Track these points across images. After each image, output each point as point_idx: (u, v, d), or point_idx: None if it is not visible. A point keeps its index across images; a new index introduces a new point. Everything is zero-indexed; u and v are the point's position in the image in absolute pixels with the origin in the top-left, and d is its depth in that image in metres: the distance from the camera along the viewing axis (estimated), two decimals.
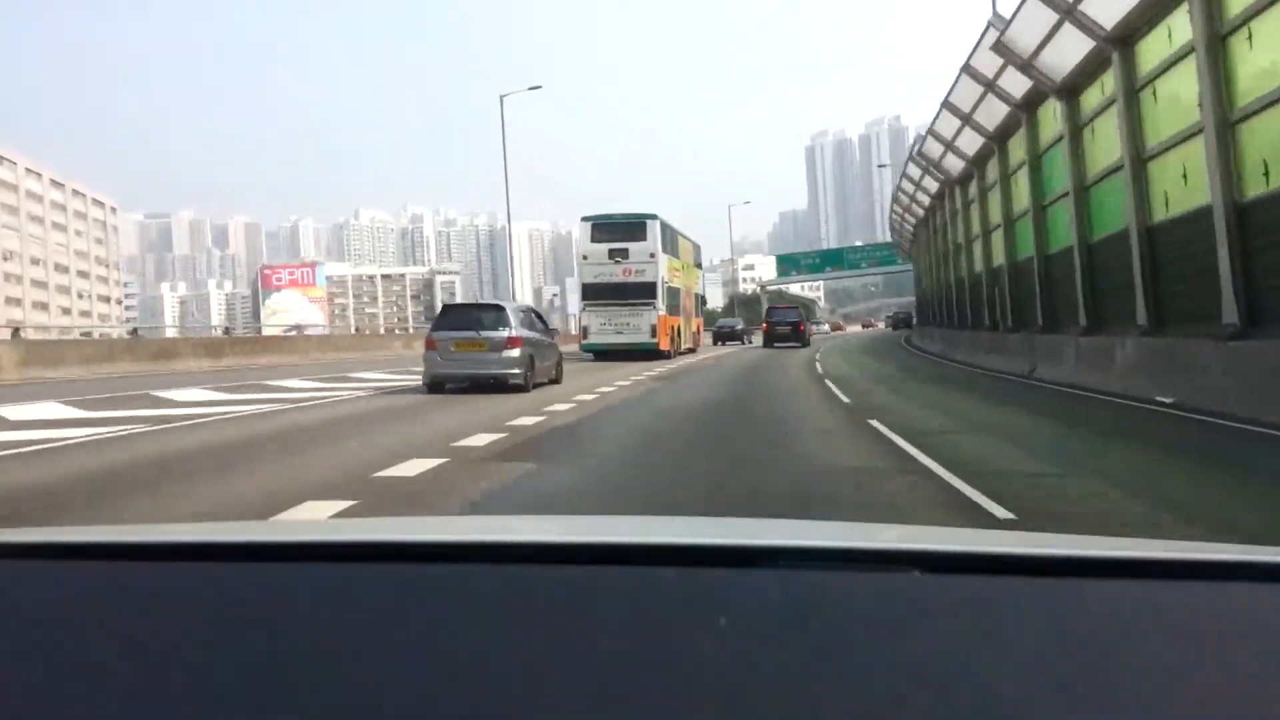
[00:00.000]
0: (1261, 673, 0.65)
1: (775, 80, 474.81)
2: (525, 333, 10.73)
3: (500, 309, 11.00)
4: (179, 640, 0.71)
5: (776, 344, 30.82)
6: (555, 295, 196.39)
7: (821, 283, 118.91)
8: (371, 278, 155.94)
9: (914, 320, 58.39)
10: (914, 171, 26.43)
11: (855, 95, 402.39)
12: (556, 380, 11.81)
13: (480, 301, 15.57)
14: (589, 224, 23.98)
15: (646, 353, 22.15)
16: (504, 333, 10.54)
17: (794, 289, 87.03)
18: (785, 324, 33.39)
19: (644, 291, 23.51)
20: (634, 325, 23.61)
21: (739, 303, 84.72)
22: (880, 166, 73.60)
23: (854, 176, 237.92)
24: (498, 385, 10.09)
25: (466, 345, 10.62)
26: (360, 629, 0.71)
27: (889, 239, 52.47)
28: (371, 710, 0.63)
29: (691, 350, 28.36)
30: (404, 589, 0.78)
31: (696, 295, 32.19)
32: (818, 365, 16.80)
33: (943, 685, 0.63)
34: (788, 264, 60.38)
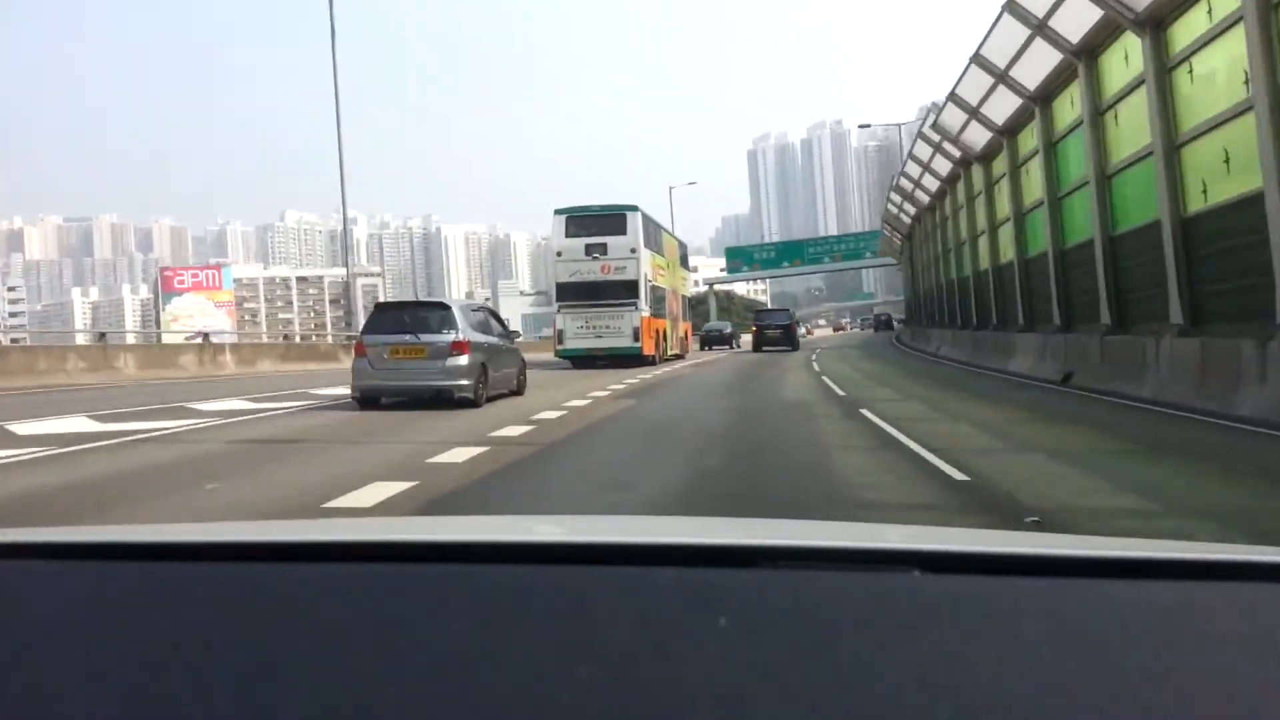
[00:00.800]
0: (1262, 673, 0.64)
1: (718, 82, 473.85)
2: (476, 336, 9.73)
3: (445, 308, 10.03)
4: (179, 640, 0.71)
5: (766, 348, 31.66)
6: (487, 299, 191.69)
7: (768, 286, 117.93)
8: (286, 280, 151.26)
9: (894, 322, 66.78)
10: (922, 152, 25.26)
11: (797, 99, 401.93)
12: (518, 392, 11.08)
13: (421, 299, 14.53)
14: (563, 217, 22.57)
15: (629, 358, 21.01)
16: (448, 336, 9.46)
17: (739, 289, 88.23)
18: (775, 327, 33.89)
19: (625, 291, 22.18)
20: (614, 328, 22.37)
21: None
22: (862, 126, 77.76)
23: (796, 180, 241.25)
24: (443, 399, 9.00)
25: (403, 351, 9.54)
26: (360, 629, 0.71)
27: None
28: (371, 710, 0.62)
29: (679, 356, 27.65)
30: (404, 589, 0.78)
31: (684, 297, 31.69)
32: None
33: (943, 685, 0.62)
34: (739, 258, 59.48)
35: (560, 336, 21.38)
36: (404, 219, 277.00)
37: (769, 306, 37.59)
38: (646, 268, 21.96)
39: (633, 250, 21.39)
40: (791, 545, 0.89)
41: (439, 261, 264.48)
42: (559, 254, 22.04)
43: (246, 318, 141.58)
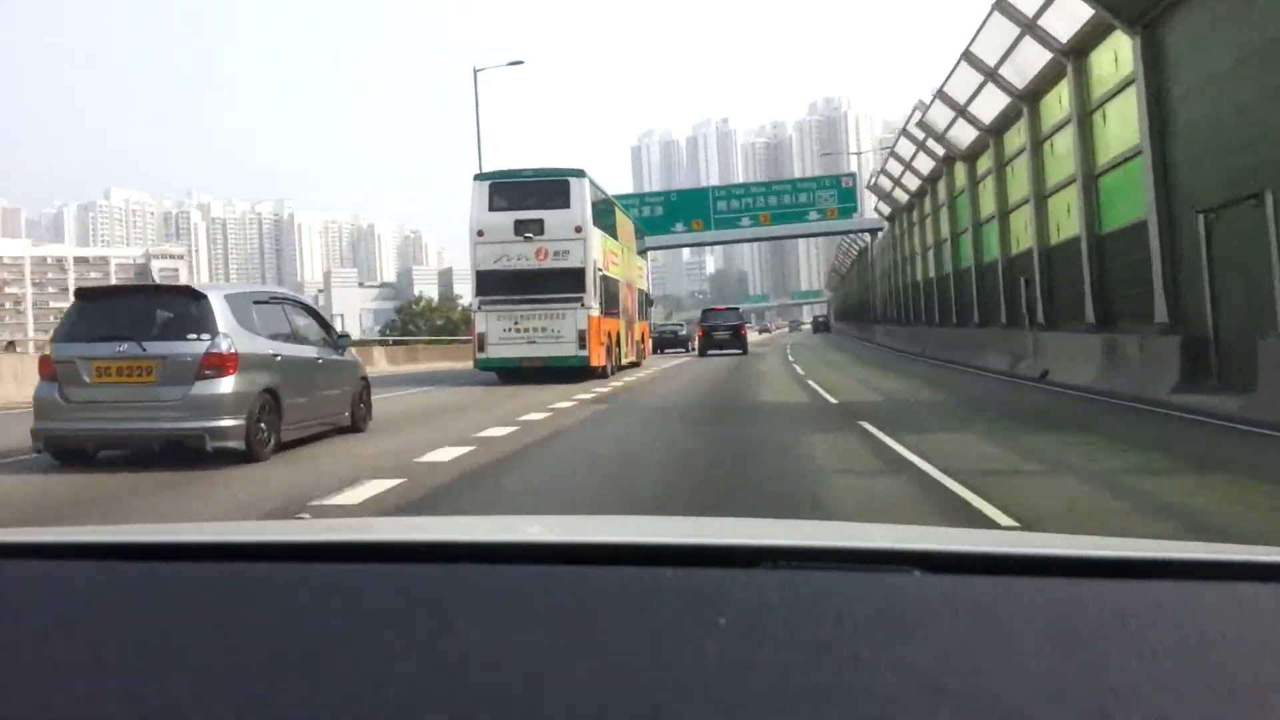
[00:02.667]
0: (1261, 673, 0.66)
1: (602, 77, 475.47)
2: (256, 344, 6.65)
3: (196, 298, 6.59)
4: (179, 640, 0.73)
5: (713, 351, 31.82)
6: (320, 292, 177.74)
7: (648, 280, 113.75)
8: (60, 261, 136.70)
9: (831, 324, 75.12)
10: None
11: (682, 96, 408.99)
12: (354, 428, 8.21)
13: (158, 284, 10.68)
14: (485, 184, 18.05)
15: (573, 371, 16.98)
16: (196, 345, 6.30)
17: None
18: (724, 328, 33.34)
19: (568, 282, 17.73)
20: (554, 331, 17.79)
21: None
22: (824, 155, 74.62)
23: (681, 178, 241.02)
24: (191, 453, 6.20)
25: (118, 370, 6.24)
26: (360, 629, 0.73)
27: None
28: (371, 711, 0.63)
29: (635, 364, 24.10)
30: (404, 589, 0.80)
31: (641, 292, 28.13)
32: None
33: (943, 685, 0.64)
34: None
35: (481, 342, 17.78)
36: (252, 202, 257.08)
37: (718, 307, 39.51)
38: (596, 253, 18.52)
39: (578, 229, 17.80)
40: (791, 545, 0.89)
41: (291, 251, 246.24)
42: (480, 233, 18.00)
43: (7, 305, 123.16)
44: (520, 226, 17.06)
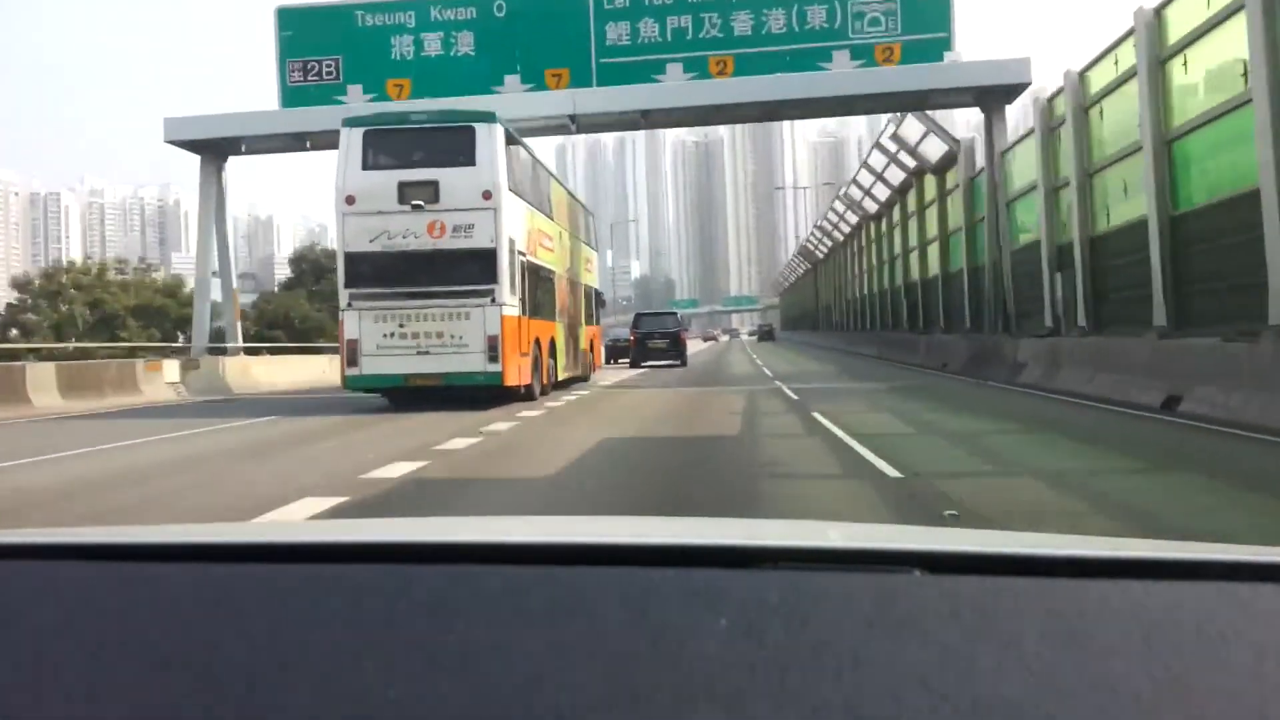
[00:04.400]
0: (1261, 673, 0.68)
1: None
2: None
3: None
4: (179, 641, 0.75)
5: (647, 363, 29.25)
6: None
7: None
8: None
9: (775, 333, 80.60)
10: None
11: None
12: None
13: None
14: (358, 132, 14.14)
15: (482, 391, 13.65)
16: None
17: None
18: (660, 336, 29.69)
19: (474, 268, 13.59)
20: (454, 337, 13.68)
21: None
22: (778, 188, 66.11)
23: (608, 181, 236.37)
24: None
25: None
26: (360, 630, 0.75)
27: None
28: (371, 711, 0.65)
29: (581, 379, 19.80)
30: (404, 589, 0.81)
31: (591, 290, 22.65)
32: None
33: (943, 685, 0.66)
34: None
35: (351, 353, 13.55)
36: (135, 188, 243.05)
37: (651, 311, 37.72)
38: (516, 229, 14.28)
39: (488, 195, 13.45)
40: (791, 545, 0.92)
41: (175, 241, 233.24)
42: (349, 200, 13.66)
43: None
44: (407, 191, 13.52)
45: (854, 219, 38.19)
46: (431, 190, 13.49)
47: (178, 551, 0.99)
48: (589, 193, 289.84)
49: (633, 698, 0.64)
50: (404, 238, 13.51)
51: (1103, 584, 0.81)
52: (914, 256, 28.54)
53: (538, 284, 15.97)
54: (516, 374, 13.97)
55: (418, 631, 0.73)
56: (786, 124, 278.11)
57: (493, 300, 13.50)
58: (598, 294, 24.48)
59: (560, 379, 17.70)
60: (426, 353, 13.39)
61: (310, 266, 55.78)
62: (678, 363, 28.85)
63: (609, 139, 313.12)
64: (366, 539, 1.05)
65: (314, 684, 0.67)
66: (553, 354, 16.83)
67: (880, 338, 32.56)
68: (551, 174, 19.34)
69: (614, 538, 1.05)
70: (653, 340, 28.99)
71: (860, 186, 32.64)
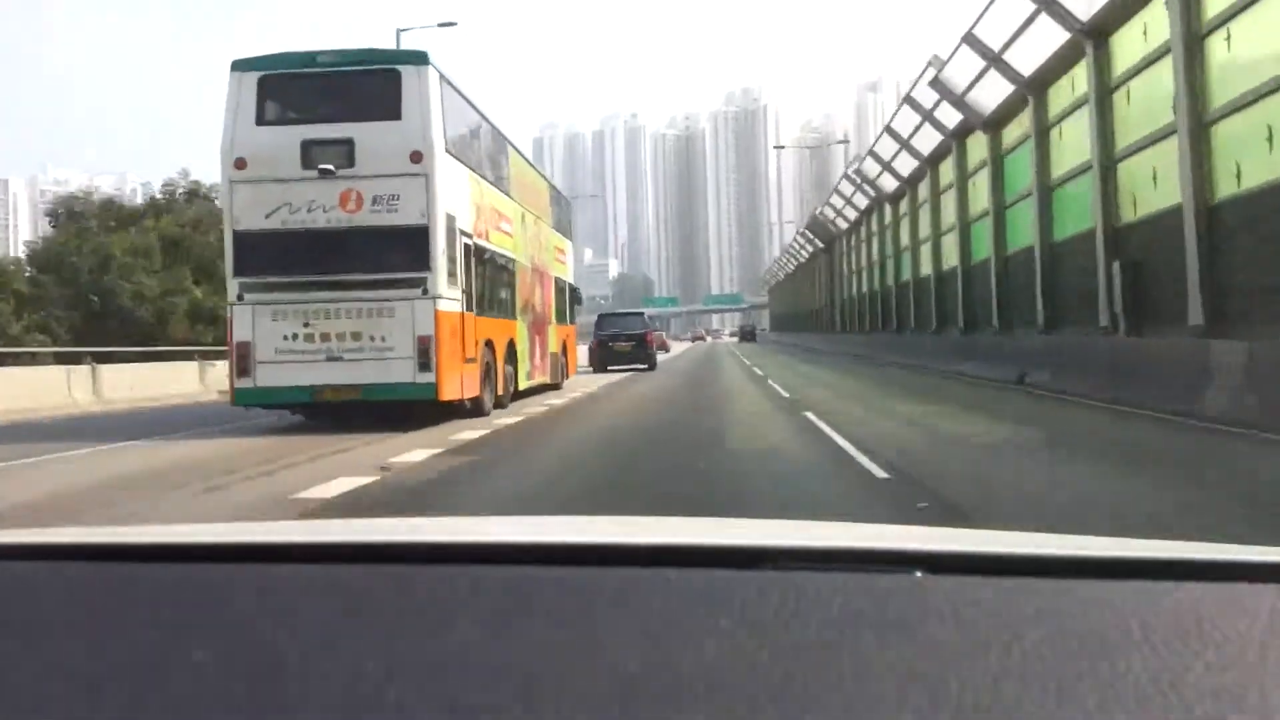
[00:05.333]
0: (1262, 673, 0.69)
1: (503, 62, 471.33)
2: None
3: None
4: (178, 641, 0.75)
5: (613, 367, 27.11)
6: None
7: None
8: None
9: (756, 334, 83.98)
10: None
11: (590, 90, 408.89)
12: None
13: None
14: (252, 77, 11.48)
15: (413, 407, 11.26)
16: None
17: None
18: (625, 338, 27.26)
19: (400, 251, 10.98)
20: (374, 338, 11.07)
21: None
22: (777, 148, 58.78)
23: (585, 174, 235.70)
24: None
25: None
26: (360, 629, 0.76)
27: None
28: (371, 711, 0.65)
29: (552, 386, 17.28)
30: (404, 589, 0.81)
31: (564, 285, 19.79)
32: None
33: (943, 686, 0.66)
34: None
35: (243, 359, 11.00)
36: (90, 175, 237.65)
37: (617, 309, 39.26)
38: (457, 201, 11.80)
39: (418, 157, 10.95)
40: (792, 546, 0.92)
41: None
42: (239, 165, 11.06)
43: None
44: (313, 153, 10.95)
45: (867, 197, 35.54)
46: (345, 151, 11.06)
47: (177, 552, 1.01)
48: (565, 181, 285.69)
49: (633, 698, 0.64)
50: (309, 212, 11.04)
51: (1103, 584, 0.83)
52: (951, 238, 25.51)
53: (491, 274, 13.71)
54: (457, 385, 11.67)
55: (418, 631, 0.74)
56: (771, 118, 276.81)
57: (424, 292, 11.05)
58: (573, 289, 21.89)
59: (523, 388, 15.61)
60: (339, 359, 10.89)
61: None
62: (644, 366, 27.14)
63: (588, 132, 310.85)
64: (366, 539, 1.08)
65: (314, 684, 0.68)
66: (512, 359, 14.59)
67: (904, 342, 29.70)
68: (510, 142, 16.93)
69: (614, 538, 1.09)
70: (617, 342, 27.15)
71: (879, 160, 29.87)
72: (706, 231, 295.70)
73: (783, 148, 46.93)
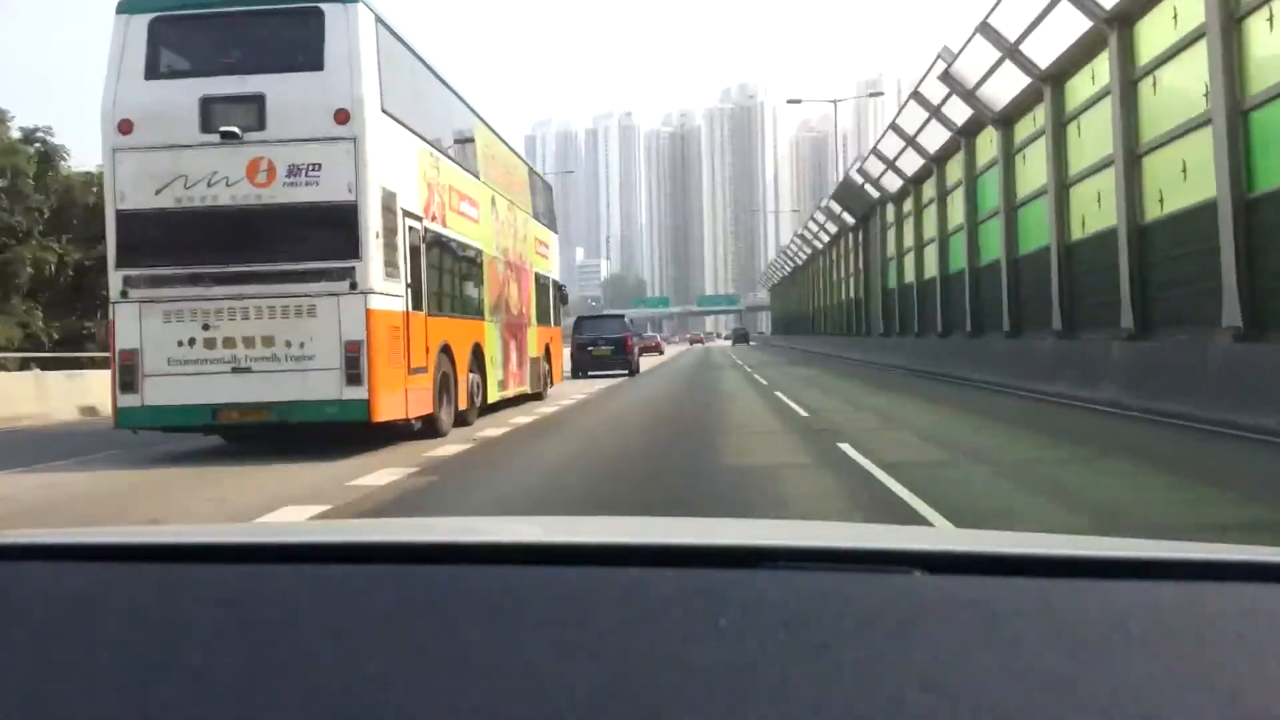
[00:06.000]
0: (1262, 673, 0.69)
1: (494, 62, 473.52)
2: None
3: None
4: (178, 641, 0.75)
5: (593, 372, 26.00)
6: None
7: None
8: None
9: (749, 337, 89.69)
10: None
11: (584, 87, 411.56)
12: None
13: None
14: (141, 19, 9.19)
15: (342, 429, 9.54)
16: None
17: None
18: (604, 341, 26.14)
19: (322, 235, 8.91)
20: (289, 344, 8.91)
21: None
22: (791, 102, 45.79)
23: (579, 172, 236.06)
24: None
25: None
26: (359, 630, 0.76)
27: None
28: (372, 711, 0.65)
29: (533, 396, 15.32)
30: (403, 589, 0.82)
31: (547, 282, 17.62)
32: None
33: (943, 685, 0.66)
34: None
35: (128, 371, 8.97)
36: None
37: (598, 312, 39.01)
38: (400, 172, 9.76)
39: (344, 116, 8.94)
40: (791, 545, 0.93)
41: None
42: (123, 128, 9.00)
43: None
44: (216, 112, 8.94)
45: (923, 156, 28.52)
46: (254, 110, 9.08)
47: (178, 552, 1.01)
48: (557, 180, 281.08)
49: (633, 698, 0.65)
50: (210, 186, 9.04)
51: (1103, 584, 0.83)
52: (993, 225, 22.46)
53: (450, 265, 11.83)
54: (398, 401, 9.64)
55: (418, 631, 0.74)
56: (769, 117, 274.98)
57: (353, 286, 9.00)
58: (558, 287, 19.91)
59: (495, 400, 13.86)
60: (248, 370, 8.95)
61: None
62: (624, 372, 25.95)
63: (581, 130, 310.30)
64: (367, 539, 1.09)
65: (314, 684, 0.69)
66: (478, 366, 12.75)
67: (952, 349, 24.91)
68: (478, 114, 14.52)
69: (614, 538, 1.10)
70: (596, 347, 25.98)
71: (901, 134, 26.55)
72: (701, 232, 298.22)
73: (798, 101, 41.90)
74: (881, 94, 59.36)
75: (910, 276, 30.28)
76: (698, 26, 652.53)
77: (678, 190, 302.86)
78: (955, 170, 25.18)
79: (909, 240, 30.17)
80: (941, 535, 1.52)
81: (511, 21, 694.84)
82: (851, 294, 40.95)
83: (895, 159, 28.03)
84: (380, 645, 0.70)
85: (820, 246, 48.23)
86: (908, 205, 30.08)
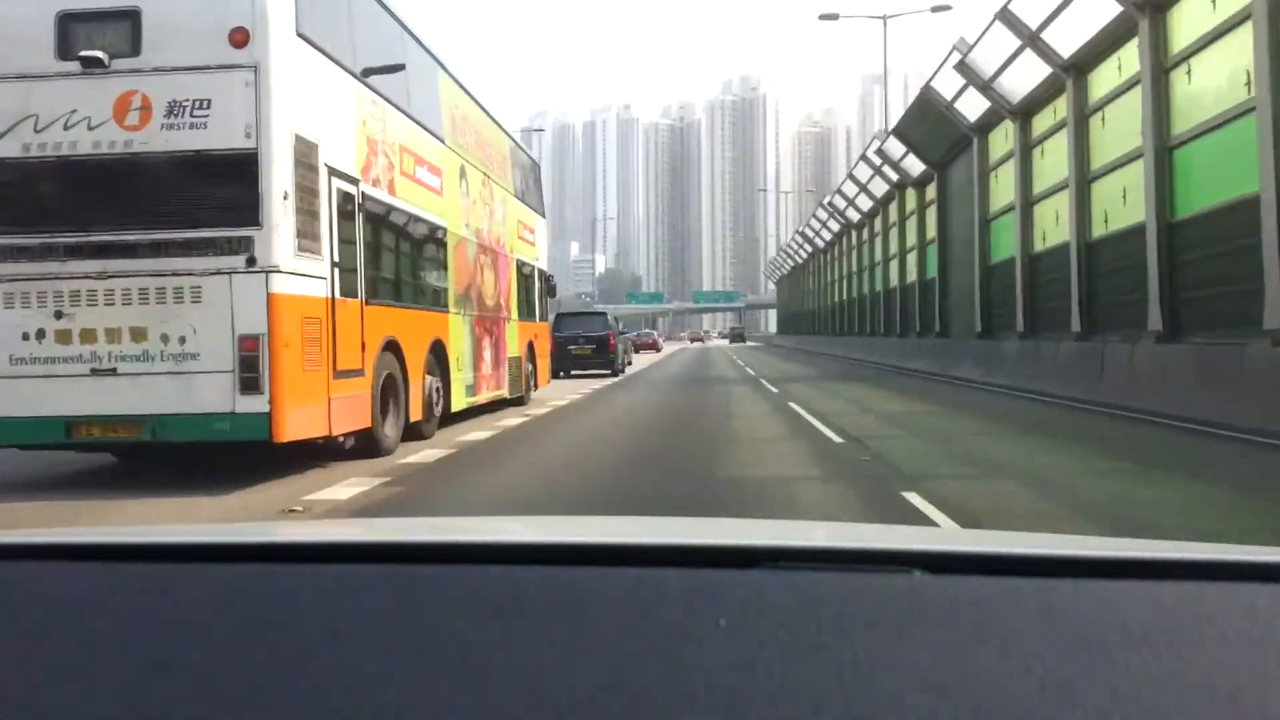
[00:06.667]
0: (1262, 673, 0.70)
1: (491, 51, 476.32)
2: None
3: None
4: (179, 641, 0.76)
5: (572, 372, 25.79)
6: None
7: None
8: None
9: (745, 336, 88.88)
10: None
11: (582, 79, 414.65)
12: None
13: None
14: None
15: (231, 450, 7.30)
16: None
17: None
18: (585, 340, 26.09)
19: (211, 194, 6.61)
20: (166, 338, 6.75)
21: None
22: (824, 18, 25.26)
23: (575, 165, 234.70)
24: None
25: None
26: (360, 630, 0.77)
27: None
28: (370, 711, 0.66)
29: (514, 401, 13.89)
30: (404, 589, 0.83)
31: (532, 270, 16.15)
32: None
33: (943, 685, 0.67)
34: None
35: None
36: None
37: (573, 311, 34.10)
38: (323, 117, 7.53)
39: (241, 37, 6.64)
40: (792, 545, 0.95)
41: None
42: None
43: None
44: (76, 32, 7.18)
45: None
46: (125, 30, 7.22)
47: (177, 552, 1.01)
48: (554, 171, 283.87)
49: (633, 698, 0.65)
50: (67, 130, 7.16)
51: (1103, 584, 0.83)
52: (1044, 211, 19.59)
53: (399, 243, 9.87)
54: (317, 414, 7.68)
55: (418, 631, 0.75)
56: (770, 108, 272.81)
57: (251, 261, 7.12)
58: (545, 277, 18.14)
59: (461, 407, 11.97)
60: (111, 372, 7.11)
61: None
62: (607, 372, 24.96)
63: (579, 124, 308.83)
64: (366, 539, 1.09)
65: (314, 684, 0.69)
66: (439, 368, 10.85)
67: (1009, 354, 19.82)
68: (444, 66, 12.35)
69: (614, 538, 1.09)
70: (576, 345, 24.89)
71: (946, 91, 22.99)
72: (700, 227, 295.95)
73: (832, 15, 34.03)
74: (949, 7, 47.68)
75: (1012, 249, 20.92)
76: (699, 17, 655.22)
77: (676, 185, 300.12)
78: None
79: (1009, 195, 21.09)
80: (942, 535, 1.53)
81: (507, 11, 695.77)
82: (911, 277, 30.32)
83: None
84: (379, 645, 0.71)
85: (856, 218, 38.06)
86: (1009, 139, 21.12)
